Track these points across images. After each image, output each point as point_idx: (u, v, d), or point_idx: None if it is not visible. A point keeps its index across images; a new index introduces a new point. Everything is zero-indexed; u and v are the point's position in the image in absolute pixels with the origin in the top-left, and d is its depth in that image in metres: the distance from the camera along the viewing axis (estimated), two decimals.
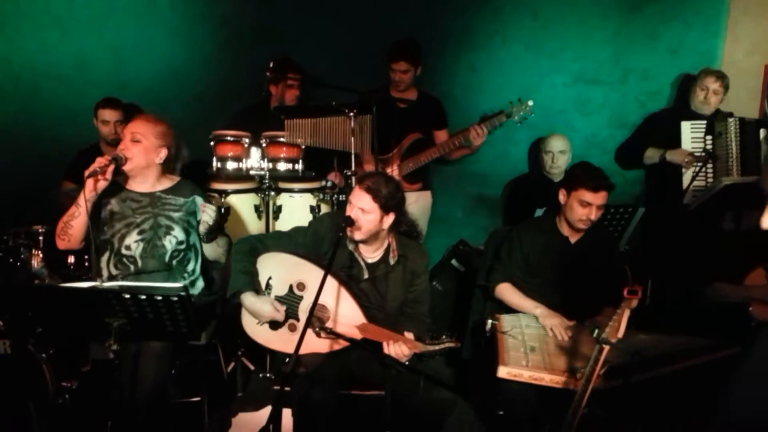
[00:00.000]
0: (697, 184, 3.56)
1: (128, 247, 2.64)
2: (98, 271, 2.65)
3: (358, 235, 2.51)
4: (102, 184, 2.51)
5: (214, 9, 4.19)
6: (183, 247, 2.71)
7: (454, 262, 3.82)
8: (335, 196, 3.46)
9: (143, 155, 2.63)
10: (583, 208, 2.70)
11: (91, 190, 2.49)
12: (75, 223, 2.54)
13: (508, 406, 2.49)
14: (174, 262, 2.70)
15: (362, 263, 2.60)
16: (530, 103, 3.65)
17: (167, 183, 2.77)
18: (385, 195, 2.46)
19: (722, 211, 3.49)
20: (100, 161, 2.49)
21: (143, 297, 2.15)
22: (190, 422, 2.84)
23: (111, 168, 2.51)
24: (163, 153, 2.68)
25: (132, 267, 2.64)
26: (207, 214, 2.60)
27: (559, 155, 3.75)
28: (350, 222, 2.46)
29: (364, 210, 2.46)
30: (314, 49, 4.09)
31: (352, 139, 3.29)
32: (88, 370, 2.78)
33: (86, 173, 2.48)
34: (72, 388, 2.70)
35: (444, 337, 2.29)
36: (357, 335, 2.43)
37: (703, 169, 3.60)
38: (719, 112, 3.73)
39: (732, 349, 2.38)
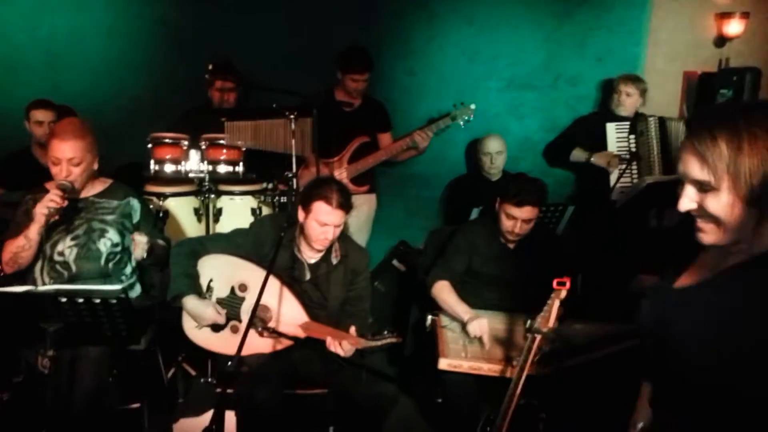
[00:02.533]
0: (623, 181, 3.76)
1: (61, 253, 2.57)
2: (32, 280, 2.57)
3: (322, 246, 2.54)
4: (54, 217, 2.45)
5: (151, 9, 4.11)
6: (118, 249, 2.67)
7: (395, 262, 3.89)
8: (276, 198, 3.47)
9: (86, 173, 2.59)
10: (509, 221, 2.73)
11: (42, 224, 2.42)
12: (25, 255, 2.49)
13: (449, 396, 2.57)
14: (110, 265, 2.65)
15: (304, 264, 2.63)
16: (472, 106, 3.76)
17: (99, 186, 2.72)
18: (349, 204, 2.50)
19: (646, 208, 3.70)
20: (53, 200, 2.40)
21: (81, 300, 2.12)
22: (130, 430, 2.78)
23: (65, 201, 2.45)
24: (97, 160, 2.66)
25: (66, 273, 2.57)
26: (138, 251, 2.60)
27: (496, 156, 3.88)
28: (293, 222, 2.49)
29: (338, 226, 2.50)
30: (255, 51, 4.08)
31: (293, 141, 3.32)
32: (20, 381, 2.70)
33: (40, 210, 2.40)
34: (3, 400, 2.62)
35: (385, 332, 2.33)
36: (300, 334, 2.45)
37: (629, 168, 3.81)
38: (642, 114, 3.96)
39: None
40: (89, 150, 2.58)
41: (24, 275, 2.58)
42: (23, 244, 2.47)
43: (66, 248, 2.57)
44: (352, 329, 2.39)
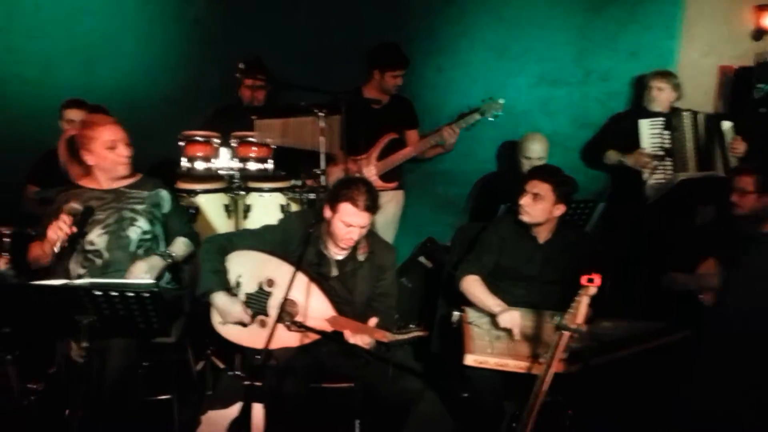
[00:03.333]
0: (656, 178, 3.69)
1: (92, 242, 2.63)
2: (65, 270, 2.63)
3: (347, 245, 2.55)
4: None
5: (184, 10, 4.19)
6: (148, 237, 2.73)
7: (421, 259, 3.88)
8: (305, 194, 3.49)
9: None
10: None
11: (55, 244, 2.43)
12: (45, 261, 2.56)
13: (474, 392, 2.55)
14: (140, 251, 2.70)
15: (331, 260, 2.64)
16: (501, 101, 3.71)
17: (130, 179, 2.79)
18: (376, 206, 2.51)
19: (678, 204, 3.62)
20: (61, 228, 2.40)
21: (115, 293, 2.16)
22: (160, 420, 2.84)
23: (73, 229, 2.45)
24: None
25: (98, 261, 2.63)
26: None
27: (537, 161, 3.77)
28: (320, 219, 2.51)
29: (364, 227, 2.51)
30: (286, 50, 4.13)
31: (322, 138, 3.34)
32: (54, 371, 2.77)
33: (51, 234, 2.43)
34: (38, 390, 2.69)
35: (412, 326, 2.33)
36: (327, 328, 2.47)
37: (662, 164, 3.73)
38: (676, 109, 3.87)
39: (684, 332, 2.48)
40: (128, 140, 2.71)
41: (57, 266, 2.64)
42: (40, 255, 2.56)
43: (97, 237, 2.63)
44: (372, 320, 2.40)
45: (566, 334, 2.11)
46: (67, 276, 2.61)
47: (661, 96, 3.84)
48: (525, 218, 2.80)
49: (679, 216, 3.61)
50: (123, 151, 2.65)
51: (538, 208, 2.76)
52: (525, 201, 2.77)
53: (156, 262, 2.67)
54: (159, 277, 2.67)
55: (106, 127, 2.62)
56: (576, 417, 2.39)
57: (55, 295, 2.21)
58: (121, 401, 2.41)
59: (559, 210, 2.79)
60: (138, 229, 2.70)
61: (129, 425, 2.45)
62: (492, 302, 2.68)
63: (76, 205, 2.43)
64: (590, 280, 2.14)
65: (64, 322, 2.24)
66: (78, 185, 2.69)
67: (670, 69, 3.99)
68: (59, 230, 2.39)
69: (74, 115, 3.59)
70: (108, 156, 2.63)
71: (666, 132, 3.79)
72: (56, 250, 2.39)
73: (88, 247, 2.62)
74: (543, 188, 2.74)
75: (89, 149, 2.63)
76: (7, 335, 2.64)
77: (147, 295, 2.18)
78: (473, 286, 2.78)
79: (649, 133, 3.82)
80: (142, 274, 2.59)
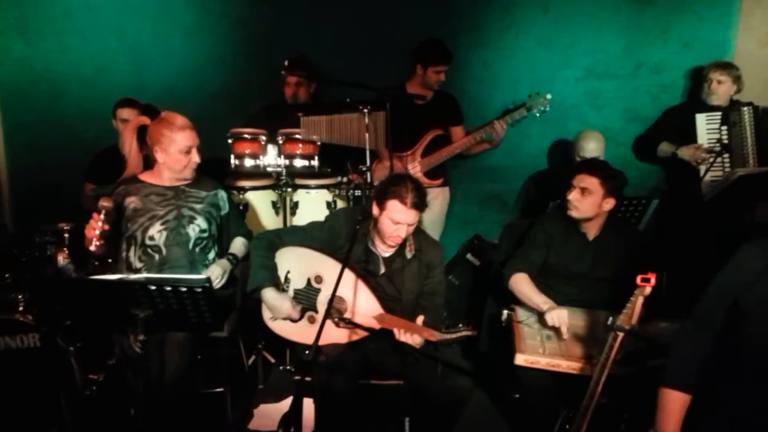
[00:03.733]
0: (713, 174, 3.57)
1: (152, 237, 2.69)
2: (126, 264, 2.71)
3: (394, 243, 2.56)
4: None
5: (231, 8, 4.25)
6: (206, 235, 2.78)
7: (469, 256, 3.85)
8: (351, 191, 3.51)
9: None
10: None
11: (92, 241, 2.44)
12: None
13: (525, 393, 2.53)
14: (197, 249, 2.76)
15: (379, 257, 2.65)
16: (549, 96, 3.65)
17: (190, 179, 2.85)
18: (424, 204, 2.50)
19: (737, 201, 3.49)
20: (94, 227, 2.41)
21: (168, 288, 2.21)
22: (214, 412, 2.91)
23: (104, 226, 2.45)
24: None
25: (157, 256, 2.69)
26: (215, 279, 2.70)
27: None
28: (367, 216, 2.51)
29: (411, 224, 2.51)
30: (329, 46, 4.15)
31: (367, 135, 3.34)
32: (113, 363, 2.87)
33: (87, 233, 2.44)
34: (99, 380, 2.79)
35: (460, 325, 2.33)
36: (375, 325, 2.48)
37: (720, 160, 3.60)
38: (735, 102, 3.73)
39: None
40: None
41: (117, 261, 2.73)
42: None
43: (156, 233, 2.70)
44: (419, 319, 2.40)
45: (620, 335, 2.07)
46: (129, 268, 2.69)
47: (721, 89, 3.71)
48: (573, 214, 2.75)
49: (737, 213, 3.48)
50: (195, 158, 2.72)
51: (587, 202, 2.71)
52: (573, 196, 2.73)
53: (227, 265, 2.79)
54: (229, 280, 2.79)
55: (186, 132, 2.67)
56: (632, 420, 2.34)
57: (112, 289, 2.28)
58: (178, 393, 2.47)
59: (609, 204, 2.73)
60: (196, 227, 2.75)
61: (184, 417, 2.51)
62: (540, 299, 2.64)
63: (106, 204, 2.47)
64: (645, 280, 2.09)
65: (121, 315, 2.30)
66: (139, 179, 2.75)
67: (727, 60, 3.85)
68: (91, 229, 2.44)
69: (127, 114, 3.69)
70: (181, 160, 2.69)
71: (724, 127, 3.66)
72: (92, 248, 2.44)
73: (148, 242, 2.69)
74: (591, 182, 2.70)
75: (164, 149, 2.68)
76: (69, 328, 2.76)
77: (199, 290, 2.22)
78: (521, 283, 2.75)
79: (707, 128, 3.69)
80: (218, 278, 2.72)
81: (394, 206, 2.46)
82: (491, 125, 3.70)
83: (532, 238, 2.90)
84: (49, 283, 3.00)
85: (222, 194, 2.88)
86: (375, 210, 2.54)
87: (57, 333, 2.68)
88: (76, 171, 3.86)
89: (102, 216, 2.41)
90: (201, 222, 2.77)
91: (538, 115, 3.71)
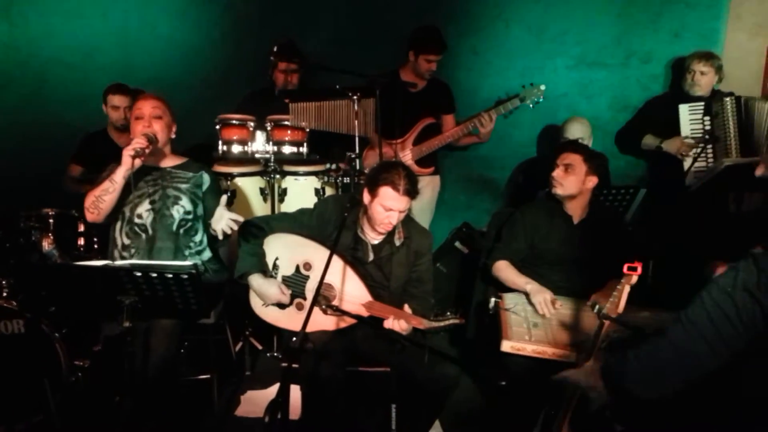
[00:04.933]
0: (698, 165, 3.58)
1: (140, 216, 2.71)
2: (112, 240, 2.72)
3: (385, 230, 2.55)
4: (138, 162, 2.59)
5: None
6: (190, 217, 2.79)
7: (457, 244, 3.86)
8: (340, 178, 3.49)
9: (165, 130, 2.75)
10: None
11: (129, 168, 2.56)
12: (107, 198, 2.62)
13: (512, 379, 2.54)
14: (181, 231, 2.76)
15: (368, 245, 2.64)
16: (542, 87, 3.63)
17: (177, 161, 2.87)
18: (415, 191, 2.50)
19: (723, 192, 3.51)
20: (140, 142, 2.58)
21: (154, 275, 2.21)
22: (200, 399, 2.91)
23: (149, 147, 2.62)
24: (174, 129, 2.82)
25: (143, 235, 2.71)
26: (222, 223, 2.71)
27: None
28: (356, 203, 2.50)
29: (403, 211, 2.51)
30: (319, 32, 4.11)
31: (356, 122, 3.32)
32: (99, 349, 2.85)
33: (127, 153, 2.56)
34: (84, 367, 2.78)
35: (448, 313, 2.33)
36: (363, 312, 2.48)
37: (704, 151, 3.62)
38: (717, 92, 3.74)
39: None
40: (169, 111, 2.78)
41: (106, 239, 2.75)
42: (107, 187, 2.61)
43: (144, 211, 2.72)
44: (406, 307, 2.41)
45: (606, 323, 2.08)
46: (115, 245, 2.70)
47: (704, 80, 3.72)
48: (558, 191, 2.81)
49: (723, 203, 3.50)
50: (145, 121, 2.75)
51: (571, 179, 2.78)
52: (557, 173, 2.80)
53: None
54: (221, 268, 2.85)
55: (137, 103, 2.78)
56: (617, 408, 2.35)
57: (97, 275, 2.26)
58: (164, 380, 2.47)
59: (592, 182, 2.80)
60: (181, 208, 2.76)
61: (171, 403, 2.51)
62: (522, 281, 2.74)
63: (149, 132, 2.64)
64: (632, 269, 2.10)
65: (107, 302, 2.29)
66: None
67: (714, 50, 3.85)
68: (137, 144, 2.56)
69: (119, 101, 3.68)
70: (136, 126, 2.72)
71: (707, 117, 3.67)
72: (131, 154, 2.53)
73: (137, 220, 2.71)
74: (574, 159, 2.77)
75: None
76: (54, 314, 2.74)
77: (185, 276, 2.21)
78: (503, 270, 2.85)
79: (690, 119, 3.70)
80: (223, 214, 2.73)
81: (386, 193, 2.45)
82: (481, 116, 3.69)
83: (511, 226, 2.96)
84: (34, 268, 2.97)
85: (205, 176, 2.88)
86: (366, 197, 2.53)
87: (42, 319, 2.66)
88: (60, 155, 3.81)
89: (147, 140, 2.59)
90: (186, 203, 2.77)
91: (531, 106, 3.70)
